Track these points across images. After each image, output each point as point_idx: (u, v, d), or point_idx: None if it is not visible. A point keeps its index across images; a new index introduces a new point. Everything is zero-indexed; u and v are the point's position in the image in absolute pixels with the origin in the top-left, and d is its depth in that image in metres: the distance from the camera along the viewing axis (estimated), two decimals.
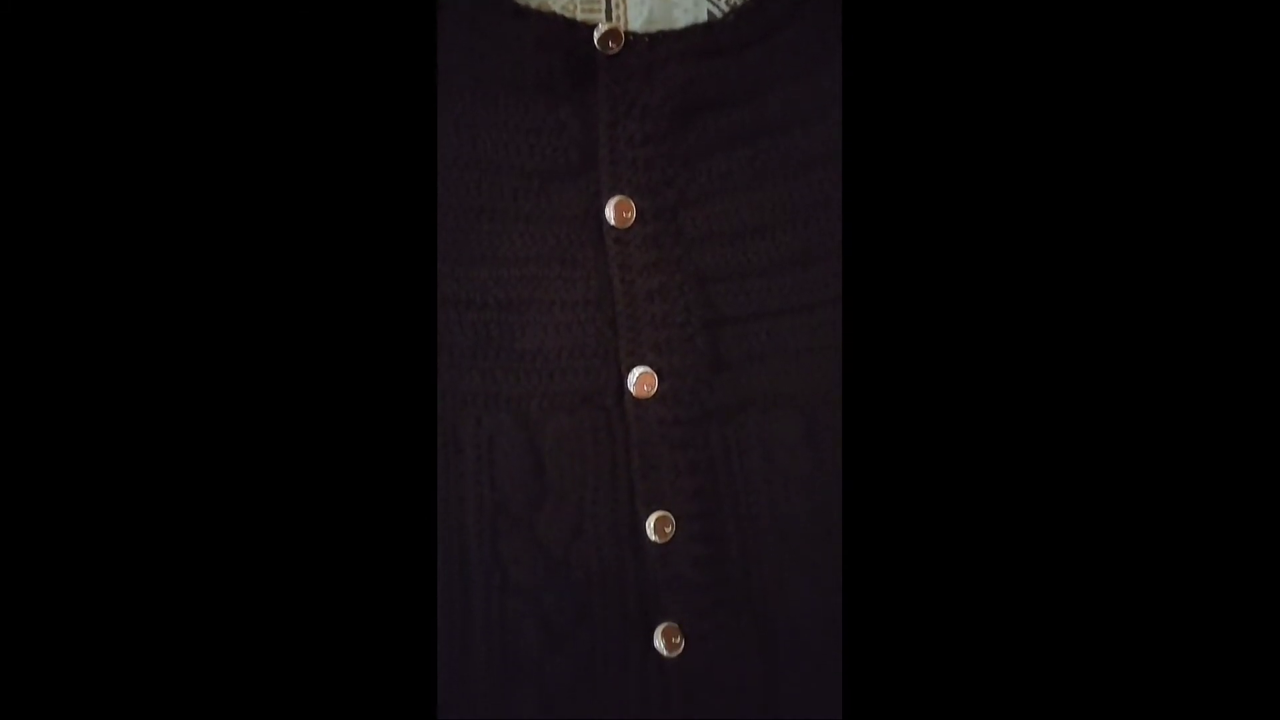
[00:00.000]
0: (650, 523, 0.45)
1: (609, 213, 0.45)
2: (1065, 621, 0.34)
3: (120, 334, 0.34)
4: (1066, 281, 0.34)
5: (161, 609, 0.33)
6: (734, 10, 0.46)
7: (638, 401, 0.45)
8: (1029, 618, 0.34)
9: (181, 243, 0.34)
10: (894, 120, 0.35)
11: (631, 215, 0.45)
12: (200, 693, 0.33)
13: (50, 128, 0.34)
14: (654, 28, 0.46)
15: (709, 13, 0.47)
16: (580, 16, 0.46)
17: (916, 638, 0.34)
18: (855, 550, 0.35)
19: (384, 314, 0.34)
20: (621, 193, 0.45)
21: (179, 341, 0.34)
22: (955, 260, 0.35)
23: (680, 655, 0.45)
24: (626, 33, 0.45)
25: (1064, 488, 0.34)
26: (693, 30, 0.46)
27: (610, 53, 0.45)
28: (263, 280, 0.34)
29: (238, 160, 0.34)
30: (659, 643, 0.44)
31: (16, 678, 0.33)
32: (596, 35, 0.44)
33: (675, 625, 0.45)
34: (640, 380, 0.45)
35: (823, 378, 0.46)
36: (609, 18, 0.46)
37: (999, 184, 0.35)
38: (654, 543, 0.45)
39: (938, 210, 0.35)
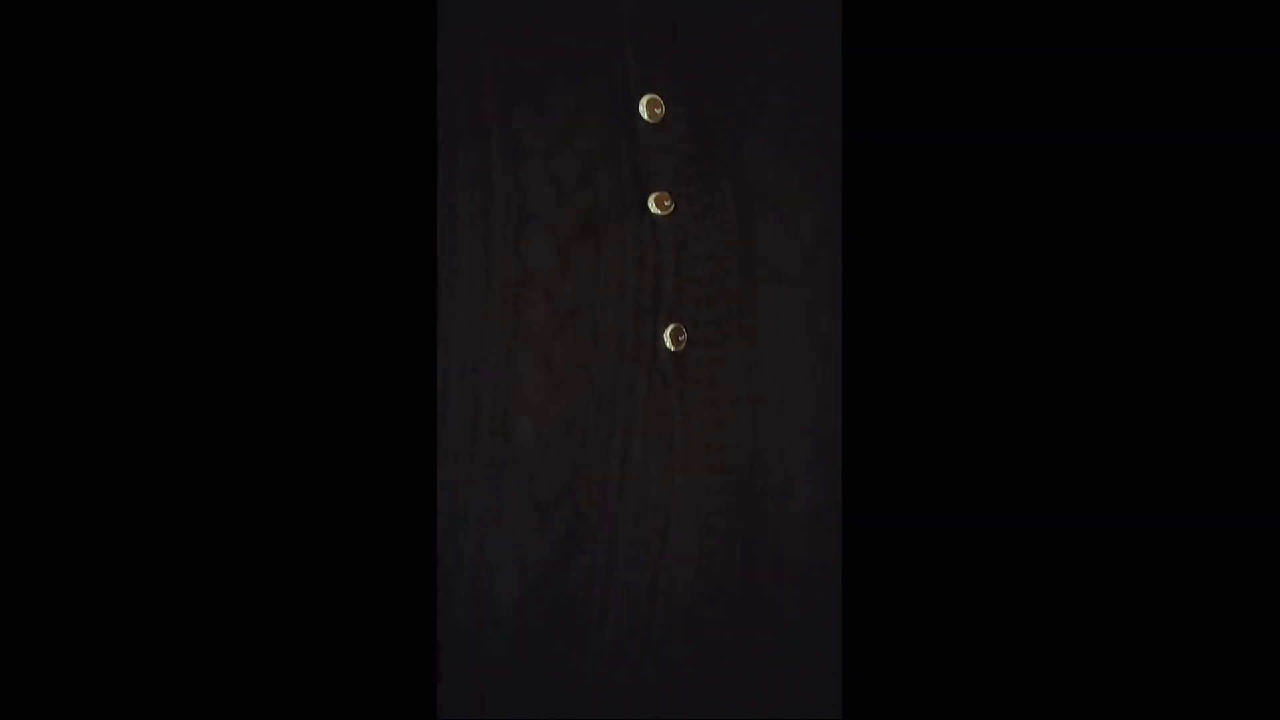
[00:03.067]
0: (643, 104, 0.53)
1: None
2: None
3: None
4: None
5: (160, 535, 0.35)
6: None
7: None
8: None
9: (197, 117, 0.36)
10: None
11: None
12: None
13: (51, 131, 0.35)
14: None
15: None
16: None
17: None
18: None
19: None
20: None
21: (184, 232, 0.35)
22: None
23: (670, 215, 0.53)
24: None
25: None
26: None
27: None
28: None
29: None
30: (652, 205, 0.53)
31: (17, 678, 0.34)
32: None
33: (666, 192, 0.53)
34: None
35: None
36: None
37: None
38: (646, 121, 0.53)
39: None
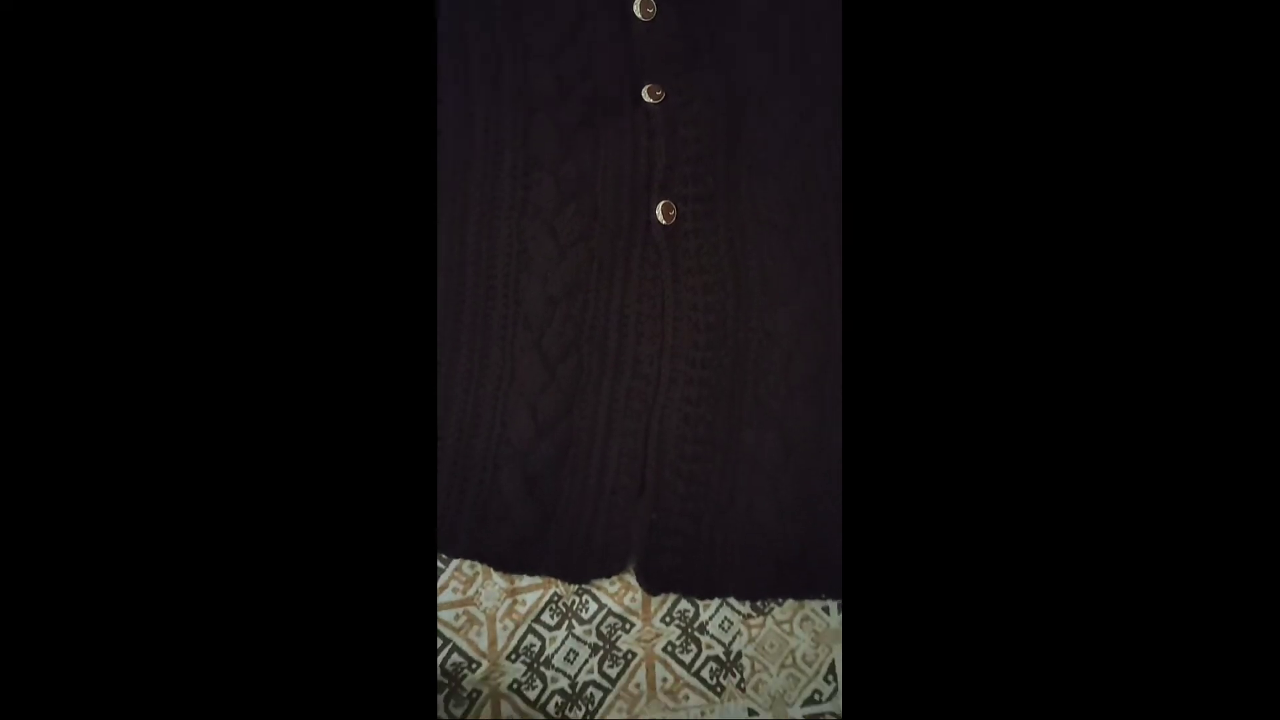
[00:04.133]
0: (636, 3, 0.59)
1: None
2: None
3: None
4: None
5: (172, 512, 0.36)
6: None
7: None
8: None
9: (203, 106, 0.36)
10: None
11: None
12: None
13: (51, 131, 0.36)
14: None
15: None
16: None
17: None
18: None
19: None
20: None
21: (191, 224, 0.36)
22: None
23: (662, 103, 0.59)
24: None
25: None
26: None
27: None
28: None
29: None
30: (646, 95, 0.59)
31: (17, 678, 0.34)
32: None
33: (658, 83, 0.59)
34: None
35: None
36: None
37: None
38: (640, 20, 0.59)
39: None
